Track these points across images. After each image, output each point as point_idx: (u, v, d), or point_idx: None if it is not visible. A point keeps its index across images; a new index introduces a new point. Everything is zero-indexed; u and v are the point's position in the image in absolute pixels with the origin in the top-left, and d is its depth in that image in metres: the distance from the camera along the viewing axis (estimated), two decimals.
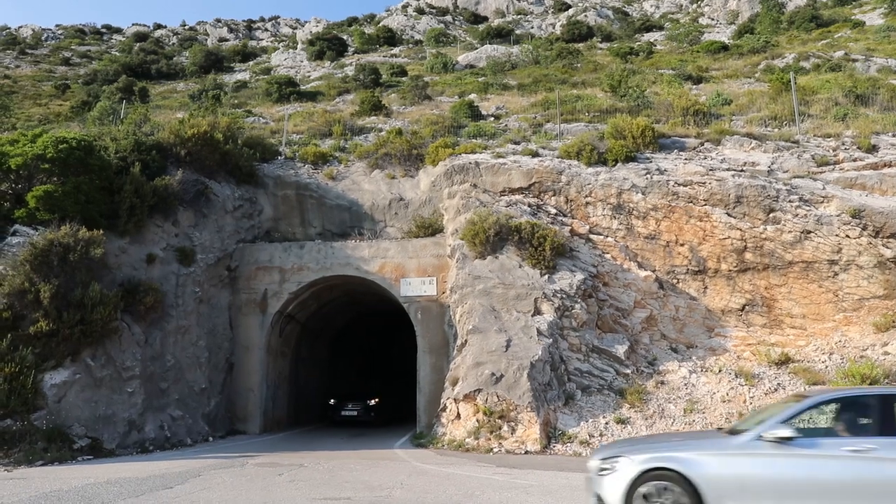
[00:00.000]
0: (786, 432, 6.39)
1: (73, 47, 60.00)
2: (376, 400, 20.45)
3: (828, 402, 6.92)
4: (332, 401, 20.45)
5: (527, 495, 8.79)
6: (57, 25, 70.62)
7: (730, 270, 14.99)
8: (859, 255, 14.13)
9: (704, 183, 15.39)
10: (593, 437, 12.35)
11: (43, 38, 63.54)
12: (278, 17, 79.75)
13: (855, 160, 15.83)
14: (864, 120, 17.87)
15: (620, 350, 14.06)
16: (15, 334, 12.20)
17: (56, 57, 54.75)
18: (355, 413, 19.97)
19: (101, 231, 13.90)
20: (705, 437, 7.88)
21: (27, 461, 11.11)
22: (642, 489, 6.51)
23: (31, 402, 11.96)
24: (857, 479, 6.11)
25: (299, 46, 53.03)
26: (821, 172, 15.62)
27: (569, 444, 12.28)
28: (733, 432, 6.94)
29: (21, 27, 66.61)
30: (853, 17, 40.45)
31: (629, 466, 6.65)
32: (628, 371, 13.78)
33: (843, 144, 16.70)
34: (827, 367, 13.27)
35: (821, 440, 6.49)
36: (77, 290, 12.94)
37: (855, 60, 27.90)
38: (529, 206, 16.31)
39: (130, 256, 15.03)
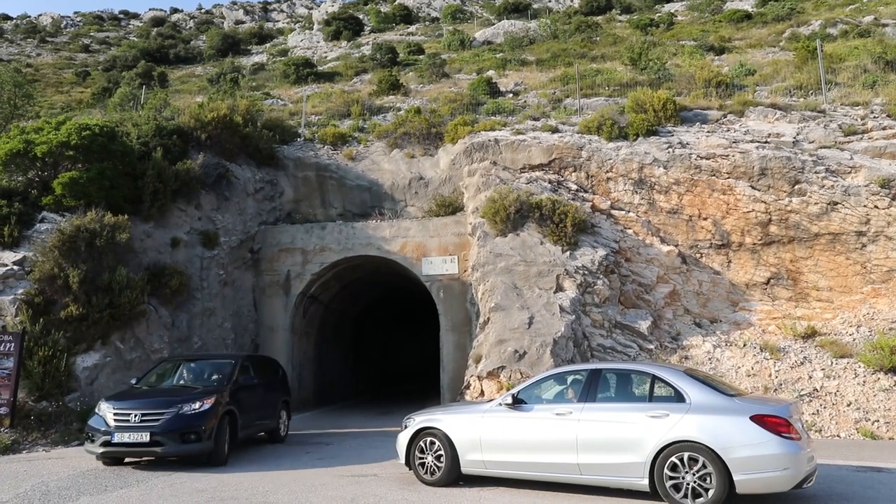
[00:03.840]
0: (508, 400, 8.06)
1: (92, 34, 60.41)
2: (206, 403, 9.76)
3: (547, 378, 8.33)
4: (105, 407, 9.69)
5: None
6: (75, 13, 71.11)
7: (754, 244, 14.79)
8: (888, 226, 13.86)
9: (728, 155, 15.14)
10: None
11: (62, 25, 64.04)
12: None
13: (884, 129, 15.44)
14: (895, 87, 17.38)
15: (643, 325, 14.00)
16: (47, 319, 12.50)
17: (76, 44, 55.18)
18: (145, 439, 9.26)
19: (126, 216, 14.12)
20: (475, 403, 9.54)
21: (63, 442, 11.44)
22: (420, 443, 8.46)
23: (64, 384, 12.29)
24: (558, 435, 7.51)
25: (315, 27, 52.80)
26: (848, 142, 15.27)
27: None
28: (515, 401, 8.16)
29: (41, 15, 67.18)
30: None
31: (412, 426, 8.62)
32: (652, 346, 13.73)
33: (872, 113, 16.29)
34: (855, 339, 13.10)
35: (537, 405, 7.93)
36: (104, 275, 13.19)
37: (885, 25, 27.08)
38: (550, 182, 16.20)
39: (155, 240, 15.25)
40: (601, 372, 7.91)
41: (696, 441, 6.72)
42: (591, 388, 7.69)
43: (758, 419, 6.64)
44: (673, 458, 6.79)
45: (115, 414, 9.52)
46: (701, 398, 7.03)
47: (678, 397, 7.14)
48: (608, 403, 7.57)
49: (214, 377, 10.95)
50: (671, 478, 6.77)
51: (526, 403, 7.99)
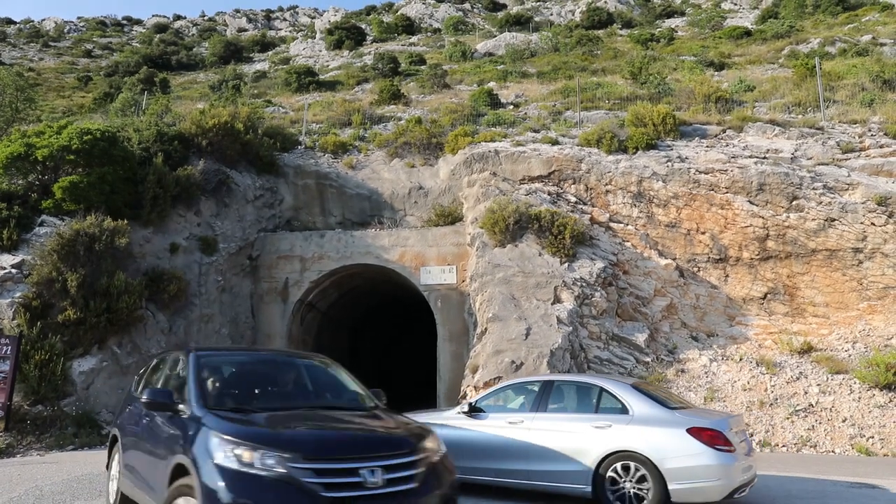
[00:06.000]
0: (465, 408, 8.38)
1: (94, 39, 60.63)
2: (441, 443, 5.91)
3: (505, 389, 8.70)
4: (264, 458, 4.61)
5: None
6: (79, 18, 71.39)
7: (751, 258, 14.85)
8: (885, 243, 13.93)
9: (726, 170, 15.23)
10: None
11: (65, 30, 64.27)
12: (296, 6, 79.80)
13: (881, 147, 15.54)
14: (892, 105, 17.49)
15: (640, 338, 14.03)
16: (44, 322, 12.49)
17: (78, 49, 55.37)
18: None
19: (126, 221, 14.15)
20: (440, 410, 9.71)
21: (58, 446, 11.40)
22: None
23: (60, 388, 12.26)
24: (509, 442, 7.82)
25: (318, 36, 53.07)
26: (846, 159, 15.37)
27: None
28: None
29: (44, 20, 67.40)
30: (881, 0, 39.48)
31: None
32: (648, 359, 13.75)
33: (870, 131, 16.40)
34: (850, 355, 13.13)
35: (493, 414, 8.23)
36: (103, 279, 13.19)
37: (883, 44, 27.29)
38: (549, 194, 16.26)
39: (154, 246, 15.27)
40: (554, 383, 8.29)
41: (636, 451, 7.07)
42: (542, 399, 8.06)
43: (694, 431, 6.95)
44: (615, 466, 7.13)
45: (319, 468, 4.69)
46: (643, 410, 7.36)
47: (623, 409, 7.47)
48: (557, 414, 7.93)
49: (346, 394, 6.62)
50: (613, 485, 7.11)
51: (483, 412, 8.31)
